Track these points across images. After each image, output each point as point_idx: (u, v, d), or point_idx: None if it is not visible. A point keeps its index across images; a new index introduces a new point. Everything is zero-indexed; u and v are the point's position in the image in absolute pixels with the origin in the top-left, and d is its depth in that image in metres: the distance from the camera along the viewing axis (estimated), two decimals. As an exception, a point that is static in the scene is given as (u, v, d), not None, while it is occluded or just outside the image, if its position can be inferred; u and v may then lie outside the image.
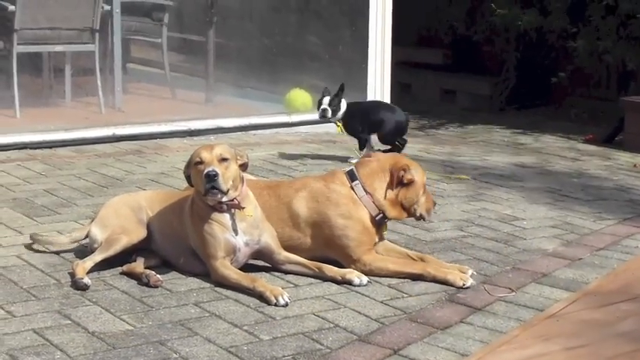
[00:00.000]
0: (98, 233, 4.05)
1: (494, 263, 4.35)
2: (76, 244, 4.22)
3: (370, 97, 8.06)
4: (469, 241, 4.72)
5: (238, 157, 3.91)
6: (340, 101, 6.50)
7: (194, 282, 3.91)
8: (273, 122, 7.83)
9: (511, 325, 3.57)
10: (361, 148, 6.51)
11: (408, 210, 4.19)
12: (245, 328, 3.44)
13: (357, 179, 4.15)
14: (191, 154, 3.92)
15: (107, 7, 7.76)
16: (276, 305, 3.65)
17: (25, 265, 4.07)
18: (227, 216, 3.89)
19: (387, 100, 8.00)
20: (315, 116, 6.71)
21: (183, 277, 3.97)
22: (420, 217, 4.25)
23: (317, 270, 4.00)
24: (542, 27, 9.38)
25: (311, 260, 4.04)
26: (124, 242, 3.99)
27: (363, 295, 3.84)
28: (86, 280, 3.79)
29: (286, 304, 3.66)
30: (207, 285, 3.87)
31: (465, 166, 6.75)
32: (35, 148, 6.63)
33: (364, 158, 4.34)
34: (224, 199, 3.83)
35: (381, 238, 4.22)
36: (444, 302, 3.79)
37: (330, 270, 3.99)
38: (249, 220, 3.92)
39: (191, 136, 7.32)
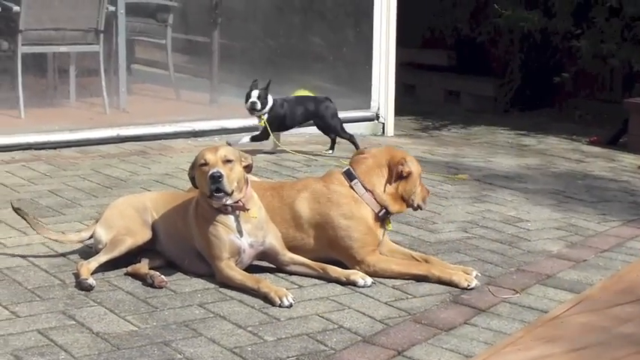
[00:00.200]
0: (103, 234, 4.04)
1: (499, 265, 4.35)
2: (80, 245, 4.23)
3: (375, 98, 8.07)
4: (473, 242, 4.72)
5: (242, 159, 3.91)
6: (267, 95, 6.63)
7: (198, 283, 3.91)
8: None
9: (515, 327, 3.57)
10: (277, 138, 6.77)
11: (407, 201, 4.20)
12: (249, 329, 3.44)
13: (355, 178, 4.15)
14: (195, 155, 3.92)
15: (112, 8, 7.76)
16: (280, 306, 3.65)
17: (29, 265, 4.08)
18: (232, 218, 3.89)
19: (391, 101, 8.00)
20: None
21: (188, 278, 3.97)
22: (417, 207, 4.26)
23: (321, 271, 4.00)
24: (546, 28, 9.36)
25: (315, 261, 4.05)
26: (128, 243, 3.99)
27: (367, 296, 3.84)
28: (91, 280, 3.80)
29: (290, 305, 3.66)
30: (212, 286, 3.87)
31: (469, 168, 6.74)
32: (40, 149, 6.64)
33: (358, 156, 4.31)
34: (228, 201, 3.83)
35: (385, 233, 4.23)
36: (448, 303, 3.78)
37: (335, 271, 3.99)
38: (253, 221, 3.92)
39: (195, 137, 7.32)
